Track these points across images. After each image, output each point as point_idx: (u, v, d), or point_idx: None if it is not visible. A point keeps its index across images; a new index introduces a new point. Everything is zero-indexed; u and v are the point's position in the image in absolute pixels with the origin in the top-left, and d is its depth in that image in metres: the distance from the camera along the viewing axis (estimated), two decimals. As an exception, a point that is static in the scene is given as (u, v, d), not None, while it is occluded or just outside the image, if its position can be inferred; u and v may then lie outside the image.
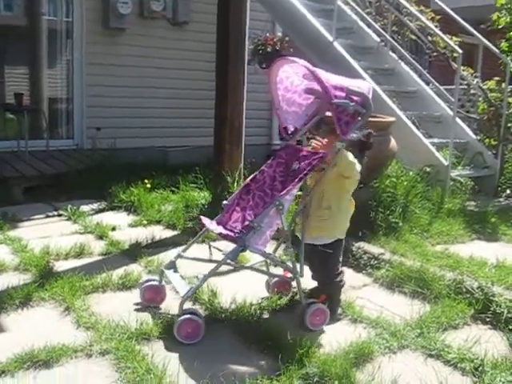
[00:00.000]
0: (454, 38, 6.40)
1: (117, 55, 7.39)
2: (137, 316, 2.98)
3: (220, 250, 3.03)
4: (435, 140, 6.01)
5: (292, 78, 3.17)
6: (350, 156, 3.02)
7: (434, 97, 6.54)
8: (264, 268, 3.32)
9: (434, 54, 6.71)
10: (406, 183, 4.81)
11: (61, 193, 5.65)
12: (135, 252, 4.02)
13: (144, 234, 4.39)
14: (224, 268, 3.55)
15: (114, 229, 4.65)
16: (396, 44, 6.73)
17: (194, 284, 3.04)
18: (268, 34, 7.76)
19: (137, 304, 3.17)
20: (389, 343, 2.83)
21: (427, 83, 6.90)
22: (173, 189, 5.58)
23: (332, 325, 3.05)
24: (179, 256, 3.20)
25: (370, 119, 4.70)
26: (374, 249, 4.10)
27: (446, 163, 5.54)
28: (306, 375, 2.47)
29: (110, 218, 4.98)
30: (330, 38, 6.33)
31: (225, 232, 2.94)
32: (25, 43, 8.22)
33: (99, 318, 2.97)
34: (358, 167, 3.03)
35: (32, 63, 8.08)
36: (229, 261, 2.89)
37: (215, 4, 5.17)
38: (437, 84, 6.32)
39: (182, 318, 2.74)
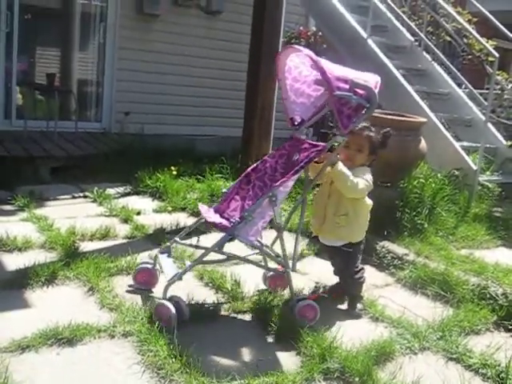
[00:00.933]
0: (490, 42, 6.31)
1: (149, 41, 7.43)
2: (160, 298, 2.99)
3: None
4: (465, 143, 5.95)
5: (300, 68, 3.10)
6: (360, 182, 3.00)
7: (465, 100, 6.46)
8: (262, 260, 3.28)
9: (469, 56, 6.62)
10: (433, 185, 4.76)
11: (87, 175, 5.68)
12: (159, 237, 4.03)
13: (168, 220, 4.41)
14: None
15: (138, 213, 4.67)
16: (430, 44, 6.64)
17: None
18: (302, 28, 7.74)
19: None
20: (410, 344, 2.82)
21: (459, 86, 6.81)
22: (198, 177, 5.60)
23: (353, 321, 3.04)
24: (174, 241, 3.19)
25: (401, 118, 4.72)
26: (398, 249, 4.07)
27: (474, 168, 5.48)
28: (327, 370, 2.47)
29: (135, 202, 5.00)
30: (365, 35, 6.27)
31: (217, 221, 2.90)
32: (57, 25, 8.30)
33: (123, 300, 2.99)
34: (367, 179, 3.03)
35: (64, 45, 8.16)
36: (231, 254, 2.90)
37: (248, -5, 5.18)
38: (471, 87, 6.23)
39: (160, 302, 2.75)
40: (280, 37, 5.22)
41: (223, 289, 3.24)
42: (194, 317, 2.82)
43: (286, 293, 3.16)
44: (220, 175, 5.56)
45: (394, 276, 3.78)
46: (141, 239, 4.06)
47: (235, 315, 2.98)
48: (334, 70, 2.83)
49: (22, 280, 3.09)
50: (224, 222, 2.90)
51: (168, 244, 3.23)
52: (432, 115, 5.73)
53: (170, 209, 4.89)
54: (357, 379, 2.42)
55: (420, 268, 3.73)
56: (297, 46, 2.99)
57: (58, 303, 2.93)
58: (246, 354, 2.62)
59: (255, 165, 3.15)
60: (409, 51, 6.86)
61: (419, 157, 4.76)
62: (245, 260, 3.19)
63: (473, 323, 3.09)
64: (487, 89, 7.38)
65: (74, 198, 5.12)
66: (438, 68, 6.71)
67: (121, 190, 5.40)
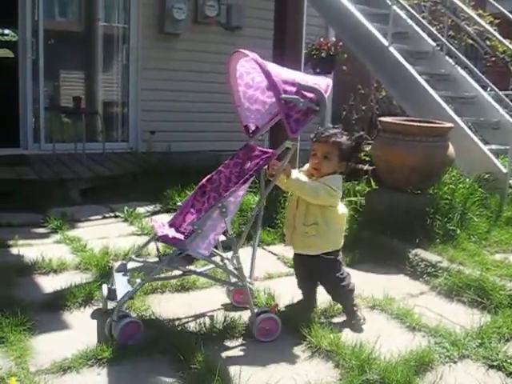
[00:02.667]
0: (514, 43, 6.27)
1: (171, 60, 7.53)
2: (196, 317, 3.01)
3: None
4: (493, 146, 5.88)
5: (253, 74, 2.98)
6: (321, 188, 2.87)
7: (491, 102, 6.40)
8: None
9: (492, 58, 6.56)
10: (463, 190, 4.72)
11: (117, 195, 5.74)
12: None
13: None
14: (284, 270, 3.59)
15: (169, 231, 4.70)
16: (453, 48, 6.60)
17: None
18: (322, 39, 7.76)
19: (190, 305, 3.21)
20: (449, 352, 2.78)
21: (484, 88, 6.75)
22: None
23: (390, 332, 3.01)
24: (130, 259, 3.15)
25: (428, 125, 4.71)
26: (431, 256, 4.03)
27: (504, 170, 5.41)
28: (367, 381, 2.45)
29: (165, 220, 5.02)
30: (386, 43, 6.26)
31: (171, 235, 2.83)
32: (81, 49, 8.46)
33: (159, 317, 3.02)
34: (330, 185, 2.89)
35: (88, 68, 8.29)
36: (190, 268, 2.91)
37: (268, 9, 5.20)
38: (496, 89, 6.16)
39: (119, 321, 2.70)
40: (302, 48, 5.25)
41: (258, 303, 3.24)
42: (229, 333, 2.83)
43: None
44: (249, 189, 5.55)
45: (429, 284, 3.74)
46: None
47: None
48: (282, 73, 2.75)
49: (59, 301, 3.14)
50: (178, 235, 2.84)
51: (124, 262, 3.17)
52: (458, 120, 5.69)
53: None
54: (397, 390, 2.40)
55: (454, 275, 3.69)
56: (244, 50, 2.82)
57: (95, 323, 2.96)
58: (284, 368, 2.61)
59: (210, 175, 3.07)
60: (431, 56, 6.83)
61: (448, 162, 4.73)
62: (202, 275, 3.15)
63: (512, 329, 3.04)
64: (512, 89, 7.33)
65: (104, 218, 5.18)
66: (462, 72, 6.67)
67: (150, 208, 5.45)
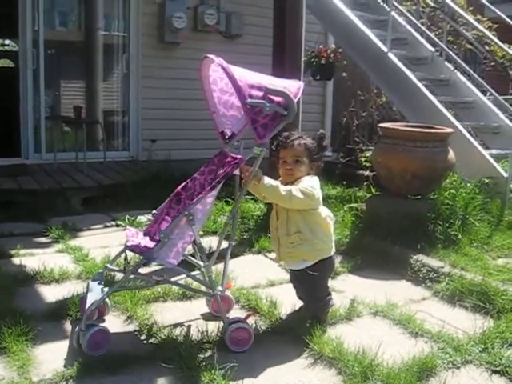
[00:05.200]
0: (513, 47, 6.28)
1: (171, 68, 7.55)
2: (198, 325, 3.01)
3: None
4: (493, 151, 5.88)
5: (226, 79, 2.88)
6: (293, 190, 2.82)
7: (491, 107, 6.40)
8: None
9: (492, 63, 6.58)
10: (464, 195, 4.72)
11: (118, 203, 5.76)
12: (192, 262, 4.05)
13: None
14: (285, 277, 3.58)
15: (170, 239, 4.70)
16: (452, 54, 6.61)
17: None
18: (321, 46, 7.77)
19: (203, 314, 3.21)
20: (452, 358, 2.77)
21: (483, 93, 6.76)
22: (227, 200, 5.62)
23: (393, 338, 3.01)
24: (106, 268, 3.13)
25: (428, 130, 4.71)
26: (433, 262, 4.02)
27: (505, 175, 5.41)
28: (370, 388, 2.45)
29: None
30: (385, 49, 6.27)
31: (143, 244, 2.82)
32: (81, 58, 8.49)
33: (161, 326, 3.01)
34: (304, 185, 2.85)
35: (89, 77, 8.31)
36: (156, 277, 2.90)
37: (267, 17, 5.21)
38: (496, 94, 6.17)
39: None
40: (301, 55, 5.25)
41: (260, 311, 3.23)
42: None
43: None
44: (249, 197, 5.56)
45: (431, 289, 3.74)
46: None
47: (273, 337, 2.96)
48: (248, 77, 2.72)
49: (62, 311, 3.14)
50: (150, 244, 2.81)
51: (100, 271, 3.16)
52: (458, 125, 5.69)
53: (201, 233, 4.90)
54: (401, 397, 2.39)
55: (457, 280, 3.68)
56: (211, 56, 2.78)
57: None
58: (287, 376, 2.61)
59: (185, 183, 3.02)
60: (430, 62, 6.83)
61: (448, 167, 4.73)
62: (175, 284, 3.11)
63: (515, 334, 3.03)
64: (512, 94, 7.34)
65: (106, 227, 5.19)
66: (461, 77, 6.67)
67: (151, 216, 5.43)
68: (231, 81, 2.66)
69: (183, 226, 2.81)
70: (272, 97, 2.67)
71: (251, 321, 3.02)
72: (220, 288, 2.99)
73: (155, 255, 2.74)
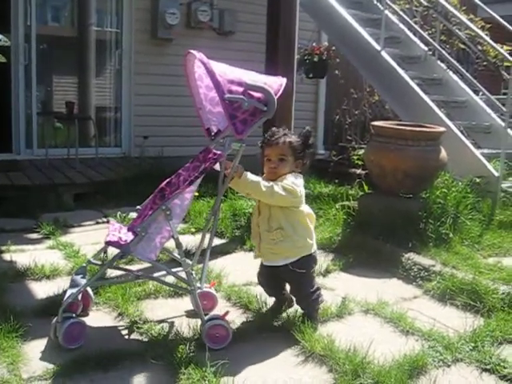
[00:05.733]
0: (505, 47, 6.29)
1: (164, 65, 7.51)
2: (189, 322, 3.01)
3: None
4: (485, 151, 5.90)
5: None
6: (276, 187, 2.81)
7: (483, 107, 6.42)
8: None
9: (484, 63, 6.59)
10: (456, 194, 4.74)
11: (109, 200, 5.74)
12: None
13: (192, 241, 4.42)
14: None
15: (162, 236, 4.69)
16: (444, 53, 6.63)
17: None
18: (314, 44, 7.77)
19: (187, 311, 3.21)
20: (443, 356, 2.78)
21: (476, 93, 6.79)
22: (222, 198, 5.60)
23: (384, 336, 3.01)
24: (89, 262, 3.13)
25: (420, 129, 4.72)
26: (424, 260, 4.04)
27: (496, 174, 5.44)
28: (361, 386, 2.45)
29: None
30: (378, 48, 6.28)
31: (124, 239, 2.82)
32: (74, 54, 8.45)
33: (152, 323, 3.01)
34: (286, 182, 2.84)
35: (81, 73, 8.28)
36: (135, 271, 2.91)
37: (261, 14, 5.21)
38: (488, 94, 6.19)
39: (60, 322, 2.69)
40: (295, 52, 5.25)
41: (251, 308, 3.24)
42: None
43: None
44: (241, 194, 5.55)
45: (422, 288, 3.75)
46: (166, 262, 4.07)
47: (264, 334, 2.96)
48: (229, 72, 2.71)
49: (52, 308, 3.09)
50: (129, 239, 2.80)
51: (84, 265, 3.16)
52: (450, 124, 5.71)
53: (193, 230, 4.91)
54: (391, 394, 2.40)
55: (447, 278, 3.70)
56: (192, 51, 2.77)
57: (90, 329, 2.95)
58: (278, 373, 2.61)
59: (169, 179, 3.01)
60: (423, 61, 6.85)
61: (440, 166, 4.74)
62: (154, 279, 3.11)
63: (505, 332, 3.03)
64: (504, 94, 7.34)
65: (97, 223, 5.17)
66: (454, 76, 6.69)
67: (136, 212, 5.42)
68: (210, 76, 2.65)
69: (161, 221, 2.82)
70: (252, 92, 2.67)
71: (230, 318, 3.00)
72: (198, 285, 2.98)
73: (132, 249, 2.75)
